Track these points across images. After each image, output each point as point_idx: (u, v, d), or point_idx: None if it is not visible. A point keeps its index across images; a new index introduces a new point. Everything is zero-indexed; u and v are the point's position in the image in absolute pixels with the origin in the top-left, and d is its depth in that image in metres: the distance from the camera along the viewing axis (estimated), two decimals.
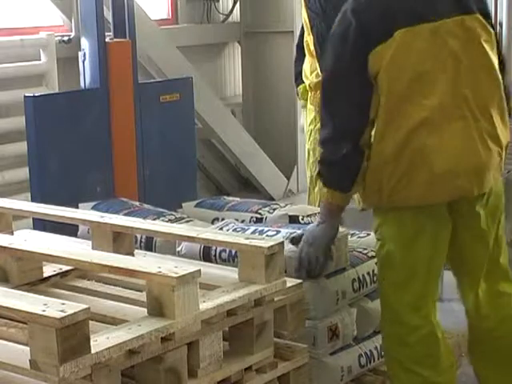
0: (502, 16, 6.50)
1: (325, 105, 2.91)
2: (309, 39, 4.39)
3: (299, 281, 2.77)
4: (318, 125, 4.54)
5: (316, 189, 4.59)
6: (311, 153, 4.62)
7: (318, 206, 4.43)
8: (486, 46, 2.83)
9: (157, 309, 2.30)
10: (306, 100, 4.67)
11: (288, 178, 7.42)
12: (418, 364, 2.90)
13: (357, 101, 2.80)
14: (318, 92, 4.47)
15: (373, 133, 2.83)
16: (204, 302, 2.39)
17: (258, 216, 3.40)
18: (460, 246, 2.94)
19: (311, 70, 4.49)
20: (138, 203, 3.79)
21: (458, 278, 3.07)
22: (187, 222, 3.37)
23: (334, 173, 2.88)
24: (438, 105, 2.75)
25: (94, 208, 3.52)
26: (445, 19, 2.77)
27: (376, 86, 2.77)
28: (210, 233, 2.83)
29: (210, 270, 2.78)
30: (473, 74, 2.81)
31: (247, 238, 2.68)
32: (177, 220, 3.39)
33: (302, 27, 4.53)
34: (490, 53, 2.84)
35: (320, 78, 4.37)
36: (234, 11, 7.57)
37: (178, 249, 3.18)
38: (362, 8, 2.78)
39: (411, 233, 2.85)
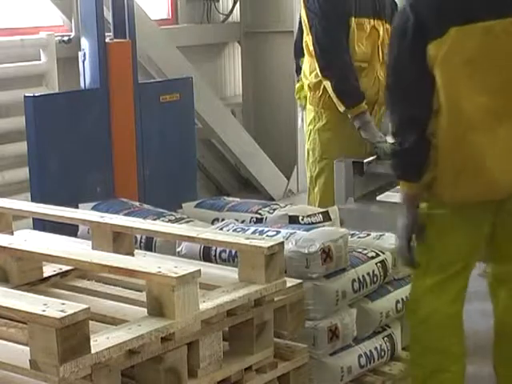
0: None
1: (390, 97, 3.02)
2: (308, 39, 4.39)
3: (299, 281, 2.78)
4: (318, 124, 4.56)
5: (316, 189, 4.59)
6: (311, 153, 4.62)
7: (318, 206, 4.45)
8: None
9: (157, 309, 2.30)
10: (302, 99, 4.68)
11: (288, 178, 7.42)
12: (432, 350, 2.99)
13: (420, 91, 2.90)
14: (317, 92, 4.48)
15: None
16: (204, 302, 2.39)
17: (258, 216, 3.40)
18: (497, 241, 3.00)
19: (310, 70, 4.49)
20: (137, 203, 3.79)
21: (491, 273, 3.11)
22: (187, 222, 3.37)
23: (404, 164, 2.96)
24: (490, 103, 2.82)
25: (93, 208, 3.51)
26: (500, 19, 2.84)
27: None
28: (209, 233, 2.83)
29: (210, 270, 2.78)
30: None
31: (247, 238, 2.68)
32: (177, 220, 3.39)
33: (300, 25, 4.53)
34: None
35: (319, 79, 4.42)
36: (234, 11, 7.57)
37: (178, 249, 3.17)
38: (420, 4, 2.89)
39: (453, 226, 2.92)
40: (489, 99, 2.82)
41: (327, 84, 4.31)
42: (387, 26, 4.45)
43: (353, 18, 4.30)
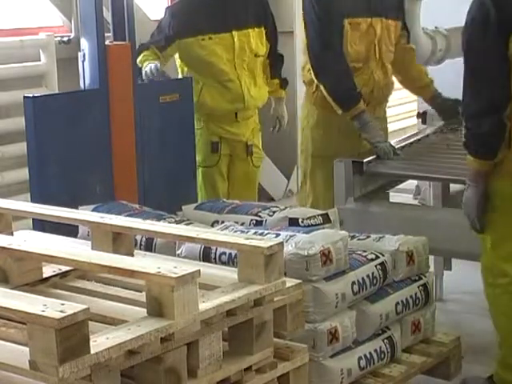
0: None
1: (470, 83, 3.26)
2: (305, 40, 4.41)
3: (298, 281, 2.77)
4: (310, 121, 4.58)
5: (307, 185, 4.61)
6: (303, 149, 4.65)
7: (311, 203, 4.46)
8: None
9: (156, 309, 2.30)
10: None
11: (288, 178, 7.42)
12: None
13: (499, 78, 3.16)
14: (311, 88, 4.51)
15: None
16: (203, 302, 2.39)
17: (258, 219, 3.40)
18: None
19: (304, 66, 4.53)
20: (137, 206, 3.79)
21: None
22: (187, 224, 3.37)
23: (480, 144, 3.25)
24: None
25: (93, 211, 3.51)
26: None
27: None
28: (209, 233, 2.83)
29: (210, 270, 2.78)
30: None
31: (247, 239, 2.68)
32: (176, 223, 3.39)
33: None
34: None
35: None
36: None
37: (178, 252, 3.17)
38: None
39: None
40: None
41: (322, 88, 4.32)
42: (388, 22, 4.45)
43: (346, 20, 4.30)
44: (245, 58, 4.86)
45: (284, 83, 5.25)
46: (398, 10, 4.58)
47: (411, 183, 5.70)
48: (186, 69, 4.92)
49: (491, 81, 3.19)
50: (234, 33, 4.82)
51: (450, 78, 4.56)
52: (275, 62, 5.15)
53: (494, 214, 3.33)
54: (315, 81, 4.37)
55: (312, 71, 4.34)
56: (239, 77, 4.82)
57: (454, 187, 4.53)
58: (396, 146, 4.39)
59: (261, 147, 5.16)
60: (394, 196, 4.98)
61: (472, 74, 3.25)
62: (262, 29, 4.95)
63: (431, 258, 3.65)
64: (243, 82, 4.85)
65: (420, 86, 4.82)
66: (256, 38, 4.91)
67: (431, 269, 3.54)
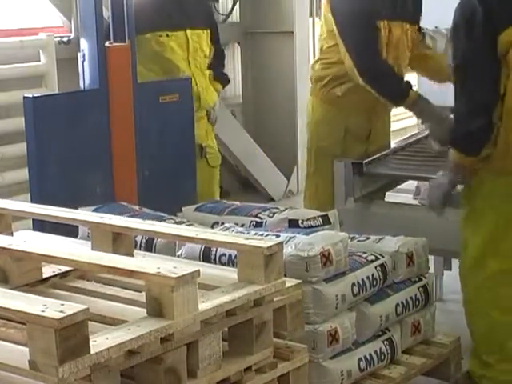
0: None
1: (461, 83, 3.26)
2: (325, 37, 4.44)
3: (298, 281, 2.77)
4: (315, 117, 4.58)
5: (311, 183, 4.61)
6: (308, 145, 4.65)
7: (312, 202, 4.46)
8: None
9: (156, 309, 2.30)
10: None
11: (288, 178, 7.42)
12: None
13: (489, 78, 3.15)
14: (319, 84, 4.51)
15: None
16: (203, 302, 2.39)
17: (258, 220, 3.40)
18: None
19: (317, 65, 4.55)
20: (137, 207, 3.79)
21: None
22: (187, 226, 3.37)
23: (467, 142, 3.29)
24: None
25: (93, 212, 3.51)
26: None
27: (505, 63, 3.11)
28: (209, 233, 2.83)
29: (209, 270, 2.78)
30: None
31: (246, 239, 2.68)
32: (176, 224, 3.38)
33: None
34: None
35: (324, 73, 4.44)
36: (234, 12, 7.56)
37: (178, 253, 3.17)
38: None
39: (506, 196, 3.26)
40: None
41: (370, 88, 4.28)
42: (407, 26, 4.44)
43: (380, 21, 4.31)
44: (197, 57, 4.96)
45: (224, 80, 5.29)
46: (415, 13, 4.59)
47: (411, 183, 5.69)
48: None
49: (481, 81, 3.18)
50: (188, 32, 4.90)
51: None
52: (218, 64, 5.21)
53: (474, 210, 3.37)
54: (360, 80, 4.31)
55: (357, 73, 4.30)
56: (194, 76, 4.88)
57: None
58: (396, 146, 4.39)
59: (216, 147, 5.20)
60: (394, 196, 4.97)
61: (462, 74, 3.25)
62: (209, 31, 5.04)
63: (431, 257, 3.65)
64: (198, 81, 4.92)
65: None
66: (205, 40, 5.01)
67: (431, 270, 3.54)
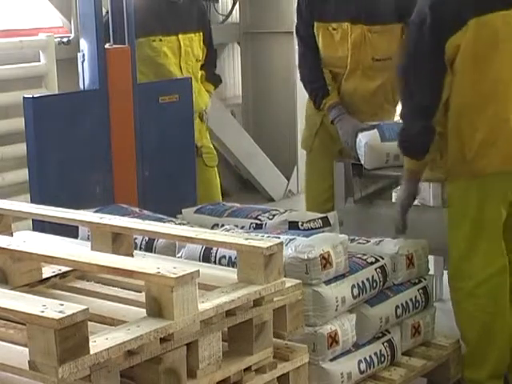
0: None
1: (405, 86, 3.33)
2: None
3: (298, 281, 2.77)
4: (306, 114, 4.60)
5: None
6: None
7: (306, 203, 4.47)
8: None
9: (156, 309, 2.30)
10: None
11: (288, 179, 7.42)
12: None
13: (432, 83, 3.19)
14: None
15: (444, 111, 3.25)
16: (203, 302, 2.39)
17: (258, 222, 3.40)
18: None
19: None
20: (137, 209, 3.79)
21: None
22: None
23: (410, 144, 3.35)
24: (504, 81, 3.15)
25: None
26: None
27: (451, 70, 3.15)
28: (208, 233, 2.83)
29: (209, 270, 2.78)
30: None
31: (246, 239, 2.68)
32: None
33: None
34: None
35: None
36: (234, 12, 7.57)
37: (178, 255, 3.17)
38: (437, 2, 3.15)
39: (484, 197, 3.26)
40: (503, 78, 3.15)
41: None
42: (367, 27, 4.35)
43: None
44: (189, 61, 4.97)
45: (216, 80, 5.30)
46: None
47: None
48: None
49: (423, 85, 3.21)
50: (180, 36, 4.91)
51: None
52: (210, 65, 5.21)
53: (453, 212, 3.40)
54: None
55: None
56: None
57: None
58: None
59: (212, 147, 5.21)
60: (394, 196, 4.97)
61: (407, 75, 3.29)
62: (201, 34, 5.04)
63: (431, 258, 3.65)
64: None
65: None
66: (197, 43, 5.01)
67: (431, 270, 3.54)
